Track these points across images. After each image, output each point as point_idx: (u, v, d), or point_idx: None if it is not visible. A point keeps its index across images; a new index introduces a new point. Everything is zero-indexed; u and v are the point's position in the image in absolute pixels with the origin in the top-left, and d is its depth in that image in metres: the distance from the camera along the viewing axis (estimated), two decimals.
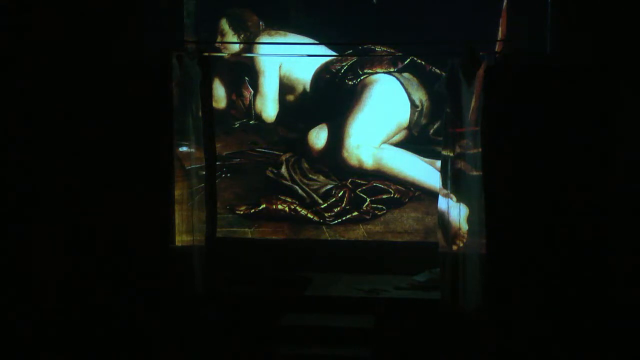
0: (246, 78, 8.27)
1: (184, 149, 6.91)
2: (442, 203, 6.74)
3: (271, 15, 8.20)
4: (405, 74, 8.07)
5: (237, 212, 8.17)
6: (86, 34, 6.63)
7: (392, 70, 8.08)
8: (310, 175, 8.17)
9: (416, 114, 8.02)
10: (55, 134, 6.56)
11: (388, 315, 6.79)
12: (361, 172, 8.10)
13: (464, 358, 6.47)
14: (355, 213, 8.09)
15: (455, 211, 6.72)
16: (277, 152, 8.25)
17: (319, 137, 8.16)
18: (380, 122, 8.05)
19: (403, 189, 8.06)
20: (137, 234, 6.56)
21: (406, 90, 8.03)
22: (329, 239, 8.09)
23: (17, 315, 6.37)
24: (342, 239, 8.09)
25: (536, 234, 6.32)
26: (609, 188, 6.28)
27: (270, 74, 8.20)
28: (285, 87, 8.23)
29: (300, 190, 8.14)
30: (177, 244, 6.86)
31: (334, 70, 8.14)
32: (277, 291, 7.09)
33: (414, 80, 8.05)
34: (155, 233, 6.60)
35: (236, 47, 8.20)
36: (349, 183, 8.11)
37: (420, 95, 8.02)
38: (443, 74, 7.57)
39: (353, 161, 8.09)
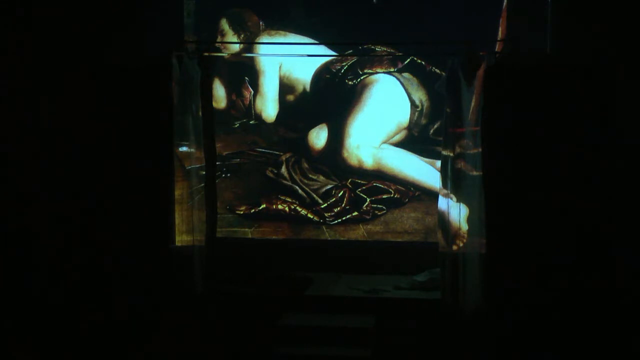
0: (246, 78, 8.27)
1: (184, 149, 6.91)
2: (442, 203, 6.75)
3: (271, 15, 8.20)
4: (405, 74, 8.06)
5: (237, 212, 8.17)
6: (86, 33, 6.64)
7: (392, 70, 8.08)
8: (310, 175, 8.17)
9: (416, 114, 8.01)
10: (54, 133, 6.57)
11: (388, 315, 6.79)
12: (361, 172, 8.09)
13: (464, 358, 6.47)
14: (355, 213, 8.09)
15: (455, 211, 6.73)
16: (277, 152, 8.25)
17: (319, 137, 8.16)
18: (380, 122, 8.05)
19: (403, 189, 8.06)
20: (137, 234, 6.56)
21: (406, 90, 8.03)
22: (329, 239, 8.09)
23: (18, 314, 6.38)
24: (342, 239, 8.09)
25: (536, 233, 6.32)
26: (610, 187, 6.29)
27: (270, 74, 8.20)
28: (285, 87, 8.23)
29: (300, 190, 8.14)
30: (177, 244, 6.87)
31: (334, 70, 8.14)
32: (277, 291, 7.09)
33: (414, 80, 8.04)
34: (155, 233, 6.61)
35: (236, 47, 8.20)
36: (349, 183, 8.11)
37: (420, 95, 8.02)
38: (443, 74, 7.56)
39: (353, 161, 8.08)
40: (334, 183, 8.14)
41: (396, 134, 8.08)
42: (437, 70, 7.94)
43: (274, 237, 8.11)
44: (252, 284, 7.23)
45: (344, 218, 8.10)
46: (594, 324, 6.23)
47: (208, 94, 7.01)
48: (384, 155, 8.05)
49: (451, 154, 6.65)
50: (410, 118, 8.03)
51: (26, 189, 6.53)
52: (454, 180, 6.65)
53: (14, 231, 6.48)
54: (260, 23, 8.22)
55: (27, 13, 6.53)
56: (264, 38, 8.18)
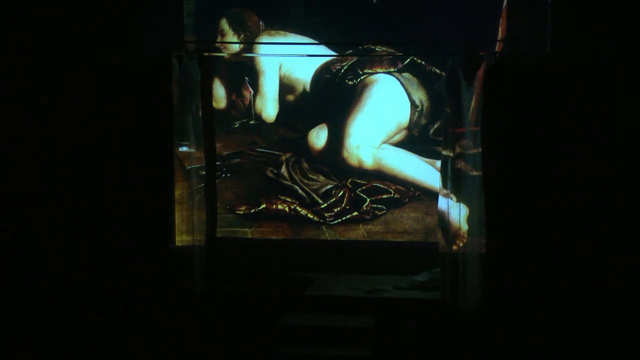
0: (246, 78, 8.27)
1: (184, 149, 6.91)
2: (442, 203, 6.75)
3: (271, 15, 8.20)
4: (405, 74, 8.06)
5: (237, 212, 8.17)
6: (86, 33, 6.64)
7: (392, 70, 8.08)
8: (310, 175, 8.17)
9: (416, 114, 8.01)
10: (54, 133, 6.57)
11: (388, 315, 6.79)
12: (361, 172, 8.09)
13: (464, 358, 6.47)
14: (355, 213, 8.09)
15: (455, 211, 6.73)
16: (277, 152, 8.24)
17: (319, 137, 8.16)
18: (380, 122, 8.05)
19: (403, 189, 8.06)
20: (137, 234, 6.56)
21: (406, 90, 8.03)
22: (329, 239, 8.08)
23: (18, 314, 6.38)
24: (342, 239, 8.09)
25: (536, 234, 6.32)
26: (609, 187, 6.29)
27: (270, 74, 8.20)
28: (285, 87, 8.23)
29: (300, 190, 8.14)
30: (177, 244, 6.87)
31: (334, 70, 8.14)
32: (277, 291, 7.09)
33: (414, 80, 8.04)
34: (155, 233, 6.61)
35: (236, 47, 8.20)
36: (349, 183, 8.11)
37: (420, 95, 8.02)
38: (443, 74, 7.57)
39: (353, 161, 8.08)
40: (334, 183, 8.14)
41: (396, 134, 8.08)
42: (437, 70, 7.94)
43: (274, 237, 8.11)
44: (252, 284, 7.23)
45: (344, 218, 8.10)
46: (594, 324, 6.23)
47: (208, 94, 7.01)
48: (384, 155, 8.05)
49: (451, 154, 6.65)
50: (410, 118, 8.03)
51: (26, 189, 6.53)
52: (454, 180, 6.65)
53: (14, 231, 6.48)
54: (260, 23, 8.22)
55: (27, 13, 6.52)
56: (264, 38, 8.18)
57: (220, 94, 8.26)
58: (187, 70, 6.74)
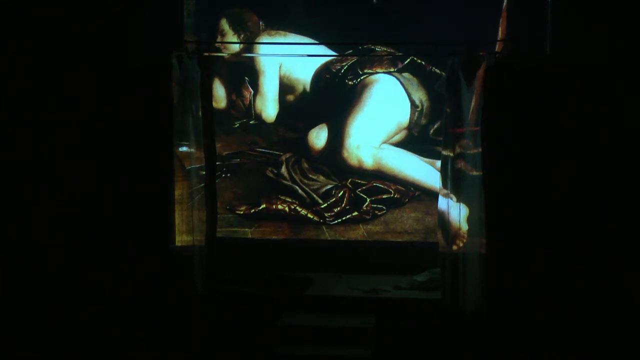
0: (246, 78, 8.27)
1: (184, 149, 6.91)
2: (442, 203, 6.75)
3: (271, 15, 8.20)
4: (405, 74, 8.06)
5: (237, 212, 8.17)
6: (86, 33, 6.64)
7: (392, 70, 8.08)
8: (310, 175, 8.17)
9: (416, 114, 8.01)
10: (54, 134, 6.57)
11: (388, 315, 6.79)
12: (361, 172, 8.09)
13: (464, 358, 6.47)
14: (355, 213, 8.09)
15: (455, 211, 6.73)
16: (277, 152, 8.25)
17: (319, 137, 8.16)
18: (380, 122, 8.05)
19: (403, 189, 8.06)
20: (137, 234, 6.56)
21: (406, 90, 8.03)
22: (329, 239, 8.09)
23: (19, 314, 6.38)
24: (342, 239, 8.09)
25: (536, 234, 6.32)
26: (609, 188, 6.29)
27: (270, 74, 8.20)
28: (285, 87, 8.23)
29: (300, 190, 8.14)
30: (177, 244, 6.87)
31: (334, 70, 8.14)
32: (277, 291, 7.09)
33: (414, 80, 8.04)
34: (155, 233, 6.61)
35: (236, 47, 8.20)
36: (349, 183, 8.11)
37: (420, 95, 8.02)
38: (443, 74, 7.57)
39: (353, 161, 8.08)
40: (334, 183, 8.14)
41: (396, 134, 8.08)
42: (437, 70, 7.94)
43: (274, 237, 8.11)
44: (252, 284, 7.23)
45: (344, 218, 8.10)
46: (594, 324, 6.23)
47: (208, 94, 7.01)
48: (384, 155, 8.05)
49: (451, 154, 6.65)
50: (410, 118, 8.03)
51: (26, 189, 6.53)
52: (454, 180, 6.65)
53: (14, 231, 6.48)
54: (260, 23, 8.22)
55: (27, 13, 6.53)
56: (264, 38, 8.18)
57: (220, 94, 8.27)
58: (187, 70, 6.74)
